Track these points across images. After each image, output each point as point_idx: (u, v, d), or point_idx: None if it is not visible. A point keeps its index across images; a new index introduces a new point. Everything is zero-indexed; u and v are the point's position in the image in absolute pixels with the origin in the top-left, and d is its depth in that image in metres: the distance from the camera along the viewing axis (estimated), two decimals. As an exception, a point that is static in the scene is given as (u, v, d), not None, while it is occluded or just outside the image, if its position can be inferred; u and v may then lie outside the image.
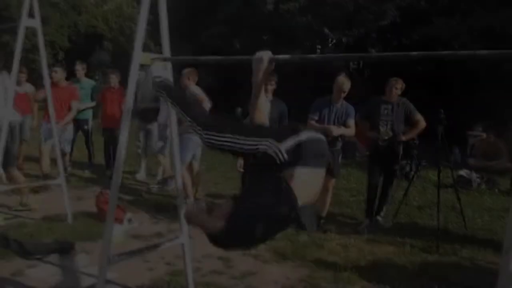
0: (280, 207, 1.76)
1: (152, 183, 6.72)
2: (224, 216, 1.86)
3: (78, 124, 7.26)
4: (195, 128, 2.12)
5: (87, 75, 7.66)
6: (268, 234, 1.89)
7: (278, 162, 1.83)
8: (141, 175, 7.10)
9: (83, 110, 7.16)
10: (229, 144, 1.99)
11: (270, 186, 1.79)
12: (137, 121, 6.82)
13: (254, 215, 1.77)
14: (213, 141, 2.04)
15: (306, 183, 1.86)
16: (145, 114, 6.77)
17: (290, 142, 1.87)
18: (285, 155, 1.83)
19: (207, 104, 5.27)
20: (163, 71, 2.65)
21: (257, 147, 1.89)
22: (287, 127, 2.18)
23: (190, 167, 5.66)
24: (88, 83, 7.33)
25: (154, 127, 6.75)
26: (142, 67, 2.93)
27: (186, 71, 5.57)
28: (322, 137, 2.00)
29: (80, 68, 7.20)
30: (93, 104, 7.29)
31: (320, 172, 1.95)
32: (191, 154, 5.53)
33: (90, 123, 7.38)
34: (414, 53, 1.64)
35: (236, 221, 1.79)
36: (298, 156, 1.84)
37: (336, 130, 4.75)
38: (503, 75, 9.86)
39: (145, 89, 2.48)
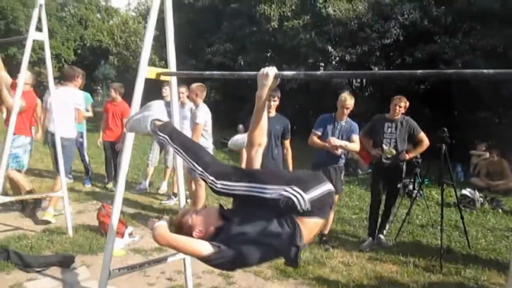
0: (291, 247, 1.91)
1: (161, 197, 6.75)
2: (206, 229, 2.04)
3: None
4: (206, 179, 2.08)
5: (92, 88, 7.72)
6: (263, 262, 2.05)
7: (298, 208, 1.88)
8: (162, 189, 7.13)
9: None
10: (246, 191, 1.99)
11: (285, 227, 1.90)
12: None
13: (260, 247, 1.91)
14: (227, 190, 2.03)
15: (313, 229, 1.99)
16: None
17: (314, 193, 1.92)
18: (308, 205, 1.88)
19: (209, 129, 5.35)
20: (163, 111, 2.46)
21: (280, 193, 1.89)
22: (311, 175, 2.11)
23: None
24: (83, 96, 7.33)
25: None
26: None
27: (194, 86, 5.52)
28: (333, 189, 2.04)
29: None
30: (89, 114, 7.31)
31: (324, 220, 2.06)
32: None
33: (85, 135, 7.39)
34: (419, 71, 1.64)
35: (238, 247, 1.90)
36: (317, 207, 1.92)
37: (338, 141, 4.74)
38: (506, 95, 9.87)
39: (138, 127, 2.31)
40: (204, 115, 5.39)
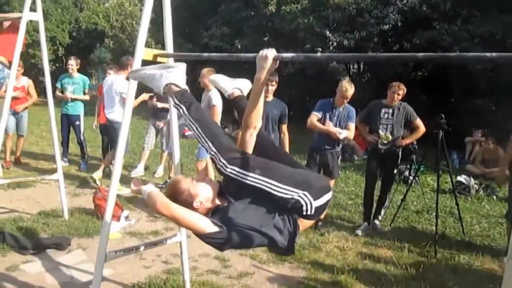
0: (290, 243, 1.99)
1: (157, 181, 6.74)
2: (205, 202, 2.03)
3: (69, 119, 7.25)
4: (217, 160, 2.03)
5: (87, 71, 7.68)
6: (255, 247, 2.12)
7: (304, 213, 1.97)
8: (158, 173, 7.12)
9: (74, 105, 7.16)
10: (257, 183, 1.96)
11: (287, 224, 1.97)
12: (150, 118, 6.85)
13: (260, 236, 1.93)
14: (236, 177, 1.99)
15: (307, 226, 2.14)
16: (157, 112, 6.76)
17: (321, 202, 2.01)
18: (313, 212, 1.97)
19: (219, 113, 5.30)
20: (183, 78, 2.39)
21: (293, 197, 1.94)
22: (319, 180, 2.13)
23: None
24: (80, 79, 7.29)
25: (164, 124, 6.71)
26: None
27: (204, 71, 5.37)
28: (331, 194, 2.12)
29: (73, 64, 7.15)
30: (85, 97, 7.27)
31: None
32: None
33: (82, 118, 7.34)
34: (420, 54, 1.62)
35: (239, 232, 1.91)
36: (318, 212, 2.02)
37: (334, 129, 4.74)
38: (503, 83, 9.88)
39: (149, 81, 2.23)
40: (219, 97, 5.29)
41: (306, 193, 1.95)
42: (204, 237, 1.91)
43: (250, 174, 1.97)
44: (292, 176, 2.03)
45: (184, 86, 2.29)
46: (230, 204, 2.00)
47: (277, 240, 1.96)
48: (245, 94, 2.52)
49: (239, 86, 2.53)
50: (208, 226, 1.89)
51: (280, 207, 1.97)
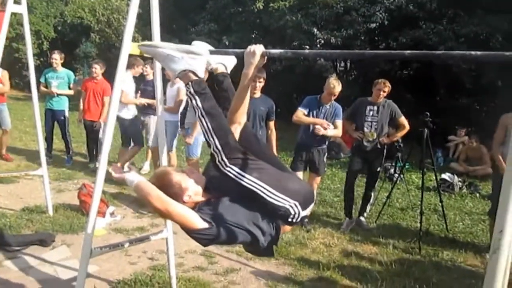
0: (270, 245, 2.03)
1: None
2: (194, 196, 2.04)
3: (54, 114, 7.15)
4: (217, 157, 1.97)
5: (72, 66, 7.59)
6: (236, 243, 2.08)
7: (290, 220, 2.02)
8: (144, 169, 7.06)
9: (59, 100, 7.09)
10: (252, 187, 1.95)
11: (271, 228, 2.01)
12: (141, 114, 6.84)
13: (246, 235, 1.94)
14: (232, 175, 1.97)
15: (286, 231, 2.23)
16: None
17: (308, 211, 2.11)
18: (299, 220, 2.04)
19: None
20: (203, 67, 2.24)
21: (284, 205, 1.97)
22: (308, 192, 2.16)
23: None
24: (65, 73, 7.20)
25: (150, 121, 6.66)
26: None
27: None
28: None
29: (57, 58, 7.06)
30: (70, 92, 7.20)
31: None
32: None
33: (67, 114, 7.26)
34: (407, 52, 1.64)
35: (226, 229, 1.90)
36: (302, 220, 2.09)
37: (330, 131, 4.78)
38: (486, 82, 10.03)
39: (162, 59, 2.11)
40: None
41: (297, 203, 1.99)
42: (193, 233, 1.89)
43: (247, 176, 1.95)
44: (287, 184, 2.03)
45: (202, 75, 2.18)
46: (218, 200, 1.99)
47: (259, 240, 1.97)
48: (229, 71, 2.48)
49: (224, 61, 2.46)
50: (199, 221, 1.87)
51: (268, 212, 1.99)
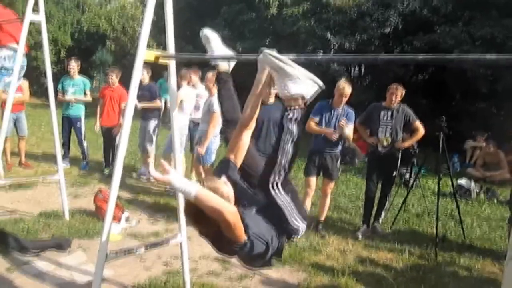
0: (270, 257, 2.06)
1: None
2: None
3: (70, 121, 7.26)
4: (278, 177, 2.00)
5: (89, 73, 7.70)
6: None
7: (292, 238, 2.13)
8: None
9: (76, 107, 7.19)
10: (281, 204, 2.01)
11: (277, 240, 2.06)
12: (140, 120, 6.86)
13: (262, 241, 1.96)
14: (273, 191, 2.00)
15: None
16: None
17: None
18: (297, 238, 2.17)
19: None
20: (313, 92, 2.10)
21: (298, 228, 2.07)
22: (306, 215, 2.21)
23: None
24: (81, 80, 7.31)
25: (150, 125, 6.74)
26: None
27: (209, 75, 5.35)
28: None
29: (75, 65, 7.19)
30: (88, 98, 7.31)
31: None
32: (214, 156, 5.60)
33: (83, 120, 7.35)
34: (421, 55, 1.64)
35: (252, 241, 1.91)
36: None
37: (347, 129, 4.76)
38: (504, 86, 9.87)
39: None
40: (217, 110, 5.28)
41: (305, 225, 2.11)
42: (234, 244, 1.87)
43: (285, 196, 2.02)
44: (303, 207, 2.15)
45: (308, 101, 2.10)
46: (243, 209, 1.97)
47: (269, 251, 2.00)
48: (230, 69, 2.54)
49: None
50: (243, 235, 1.86)
51: (282, 228, 2.05)
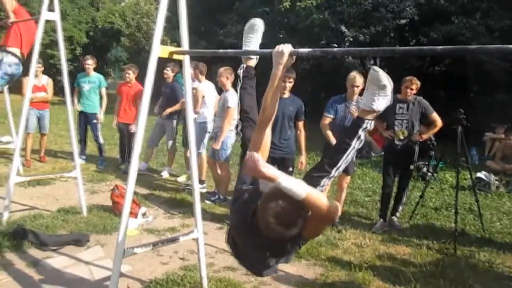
0: (271, 266, 2.09)
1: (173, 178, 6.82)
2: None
3: (86, 117, 7.33)
4: (327, 179, 2.11)
5: (104, 70, 7.75)
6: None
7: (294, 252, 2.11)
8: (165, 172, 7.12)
9: (92, 103, 7.27)
10: None
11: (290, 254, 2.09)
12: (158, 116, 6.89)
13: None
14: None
15: None
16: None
17: None
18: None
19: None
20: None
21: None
22: None
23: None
24: (96, 77, 7.36)
25: (169, 124, 6.77)
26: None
27: (222, 70, 5.34)
28: None
29: (90, 63, 7.25)
30: (103, 92, 7.38)
31: None
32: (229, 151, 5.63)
33: (100, 117, 7.41)
34: (440, 47, 1.60)
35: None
36: None
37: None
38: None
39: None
40: (235, 99, 5.14)
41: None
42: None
43: None
44: None
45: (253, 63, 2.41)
46: None
47: (278, 260, 2.05)
48: (254, 63, 2.57)
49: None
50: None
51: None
